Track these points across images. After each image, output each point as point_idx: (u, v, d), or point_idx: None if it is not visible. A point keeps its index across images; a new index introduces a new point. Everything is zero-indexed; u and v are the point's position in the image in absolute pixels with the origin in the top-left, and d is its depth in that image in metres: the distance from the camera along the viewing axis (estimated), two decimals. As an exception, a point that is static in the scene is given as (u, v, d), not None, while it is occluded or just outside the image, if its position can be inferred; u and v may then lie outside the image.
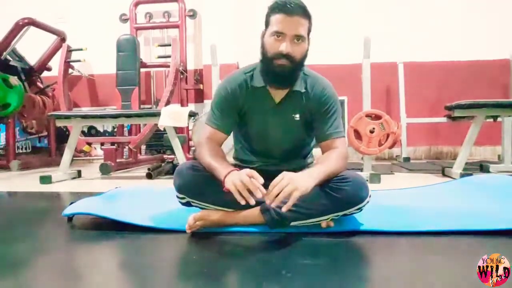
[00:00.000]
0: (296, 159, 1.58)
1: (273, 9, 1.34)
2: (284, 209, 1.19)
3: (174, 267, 1.17)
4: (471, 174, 2.63)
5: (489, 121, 3.24)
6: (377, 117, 2.77)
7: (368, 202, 1.35)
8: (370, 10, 4.82)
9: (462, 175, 2.70)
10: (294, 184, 1.18)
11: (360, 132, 2.77)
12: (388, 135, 2.74)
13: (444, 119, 3.62)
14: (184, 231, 1.37)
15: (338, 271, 1.05)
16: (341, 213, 1.34)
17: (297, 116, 1.47)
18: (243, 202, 1.20)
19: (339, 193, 1.30)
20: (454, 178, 2.77)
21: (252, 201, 1.19)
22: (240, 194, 1.19)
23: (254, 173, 1.22)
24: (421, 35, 4.75)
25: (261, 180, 1.21)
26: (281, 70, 1.34)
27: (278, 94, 1.46)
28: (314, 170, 1.31)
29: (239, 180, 1.20)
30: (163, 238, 1.37)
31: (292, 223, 1.34)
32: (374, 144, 2.76)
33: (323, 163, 1.37)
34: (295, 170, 1.54)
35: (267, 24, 1.38)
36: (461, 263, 1.12)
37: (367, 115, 2.79)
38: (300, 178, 1.21)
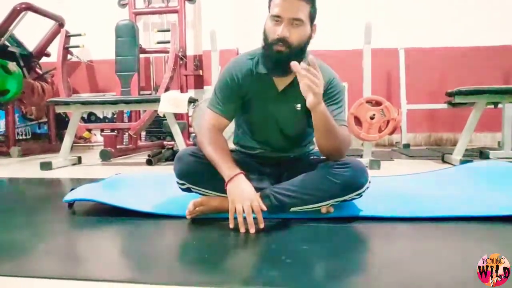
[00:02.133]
0: (297, 147, 1.57)
1: None
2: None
3: (174, 252, 1.18)
4: (471, 161, 2.63)
5: (490, 108, 3.23)
6: (378, 103, 2.76)
7: (367, 188, 1.35)
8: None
9: (462, 162, 2.71)
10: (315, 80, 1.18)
11: (360, 118, 2.76)
12: (388, 122, 2.74)
13: (444, 106, 3.60)
14: (184, 217, 1.38)
15: (337, 257, 1.06)
16: (340, 199, 1.34)
17: (299, 106, 1.43)
18: (231, 225, 1.24)
19: (339, 179, 1.30)
20: (454, 165, 2.78)
21: (242, 229, 1.22)
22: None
23: (256, 200, 1.25)
24: (422, 21, 4.70)
25: (264, 208, 1.25)
26: (278, 56, 1.29)
27: (281, 82, 1.42)
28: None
29: (240, 204, 1.23)
30: (163, 224, 1.38)
31: (292, 209, 1.34)
32: (374, 130, 2.75)
33: None
34: (296, 157, 1.55)
35: (269, 8, 1.34)
36: (461, 249, 1.13)
37: (368, 101, 2.78)
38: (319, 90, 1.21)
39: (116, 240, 1.32)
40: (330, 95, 1.41)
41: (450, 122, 4.75)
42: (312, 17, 1.33)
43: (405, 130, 4.58)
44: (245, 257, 1.11)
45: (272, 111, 1.46)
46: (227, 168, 1.31)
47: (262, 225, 1.23)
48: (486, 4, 4.63)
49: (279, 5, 1.27)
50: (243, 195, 1.25)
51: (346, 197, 1.34)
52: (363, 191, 1.34)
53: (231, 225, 1.24)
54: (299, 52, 1.32)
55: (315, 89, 1.18)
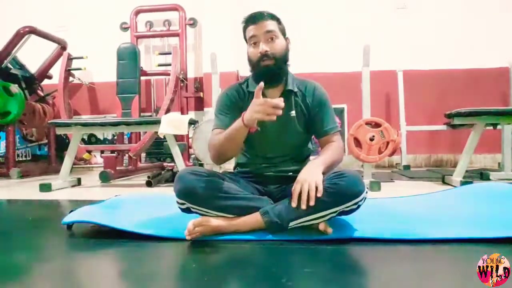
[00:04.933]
0: (295, 160, 1.61)
1: (244, 25, 1.54)
2: (319, 194, 1.30)
3: (174, 275, 1.16)
4: (471, 182, 2.63)
5: (489, 129, 3.24)
6: (377, 125, 2.77)
7: (365, 198, 1.37)
8: (370, 19, 4.85)
9: (462, 183, 2.70)
10: (310, 181, 1.31)
11: (360, 140, 2.77)
12: (388, 143, 2.75)
13: (444, 127, 3.62)
14: (184, 239, 1.36)
15: (338, 279, 1.05)
16: (339, 209, 1.34)
17: (293, 113, 1.57)
18: (267, 118, 1.32)
19: (336, 188, 1.32)
20: (454, 186, 2.77)
21: (280, 112, 1.31)
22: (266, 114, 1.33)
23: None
24: (420, 44, 4.77)
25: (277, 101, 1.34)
26: (267, 69, 1.48)
27: (273, 95, 1.54)
28: (315, 161, 1.45)
29: (254, 109, 1.33)
30: (162, 246, 1.37)
31: (291, 223, 1.35)
32: (374, 152, 2.76)
33: (322, 155, 1.50)
34: (295, 176, 1.55)
35: (245, 40, 1.56)
36: (461, 271, 1.12)
37: (367, 123, 2.79)
38: (310, 172, 1.36)
39: (115, 262, 1.30)
40: (318, 103, 1.58)
41: (450, 143, 4.76)
42: (282, 30, 1.54)
43: (405, 151, 4.59)
44: (245, 280, 1.09)
45: (268, 123, 1.49)
46: (236, 122, 1.42)
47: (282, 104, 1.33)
48: (484, 27, 4.71)
49: (251, 30, 1.51)
50: (251, 106, 1.36)
51: (344, 207, 1.34)
52: (361, 201, 1.35)
53: (267, 118, 1.33)
54: (283, 63, 1.53)
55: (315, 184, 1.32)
